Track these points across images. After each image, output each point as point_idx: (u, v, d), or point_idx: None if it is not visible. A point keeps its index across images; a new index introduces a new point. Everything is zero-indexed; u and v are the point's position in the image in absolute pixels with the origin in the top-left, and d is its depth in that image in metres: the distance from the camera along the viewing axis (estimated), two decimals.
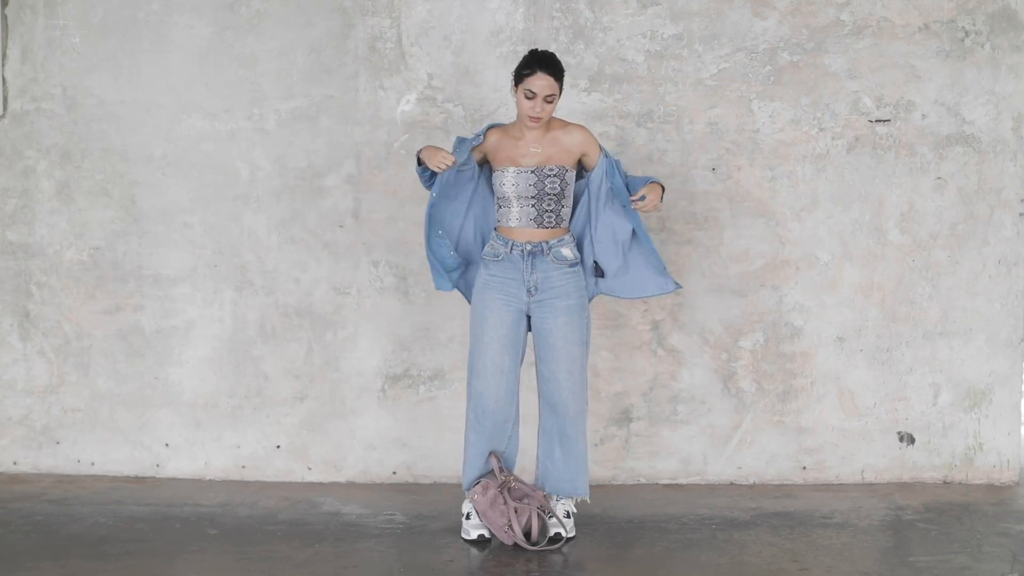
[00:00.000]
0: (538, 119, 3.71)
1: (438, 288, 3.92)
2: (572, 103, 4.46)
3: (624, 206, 3.78)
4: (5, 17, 4.58)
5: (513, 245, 3.77)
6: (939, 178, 4.51)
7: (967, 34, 4.46)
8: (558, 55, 4.48)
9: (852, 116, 4.48)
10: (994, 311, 4.53)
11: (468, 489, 3.84)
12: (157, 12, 4.54)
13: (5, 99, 4.58)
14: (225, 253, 4.56)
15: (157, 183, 4.57)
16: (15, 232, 4.62)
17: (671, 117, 4.49)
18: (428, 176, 3.81)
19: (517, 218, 3.77)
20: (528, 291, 3.77)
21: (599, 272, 3.87)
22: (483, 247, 3.88)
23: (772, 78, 4.47)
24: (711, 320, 4.52)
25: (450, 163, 3.71)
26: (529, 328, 3.85)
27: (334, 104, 4.52)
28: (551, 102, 3.71)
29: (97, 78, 4.56)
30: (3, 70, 4.59)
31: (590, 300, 3.89)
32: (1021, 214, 4.52)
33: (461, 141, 3.83)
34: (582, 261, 3.86)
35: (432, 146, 3.81)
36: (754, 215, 4.50)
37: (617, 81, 4.48)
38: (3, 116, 4.59)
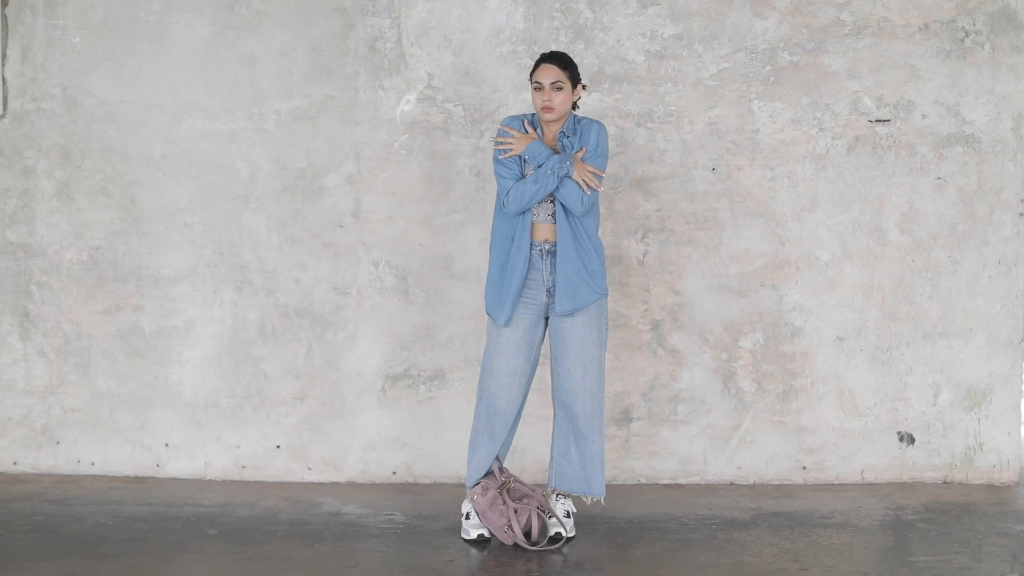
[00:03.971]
0: (550, 108, 3.73)
1: (501, 323, 3.77)
2: None
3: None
4: (5, 17, 4.58)
5: (532, 244, 3.78)
6: (939, 178, 4.51)
7: (967, 34, 4.47)
8: None
9: (852, 116, 4.48)
10: (994, 311, 4.53)
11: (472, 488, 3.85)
12: (157, 12, 4.54)
13: (5, 99, 4.58)
14: (225, 253, 4.56)
15: (157, 183, 4.57)
16: (15, 232, 4.62)
17: (671, 117, 4.49)
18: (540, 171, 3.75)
19: (535, 214, 3.78)
20: (547, 291, 3.78)
21: None
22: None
23: (772, 78, 4.48)
24: (711, 320, 4.52)
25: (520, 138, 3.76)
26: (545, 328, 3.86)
27: (334, 104, 4.52)
28: (560, 89, 3.73)
29: (97, 78, 4.56)
30: (3, 70, 4.59)
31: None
32: (1021, 214, 4.52)
33: (513, 121, 3.85)
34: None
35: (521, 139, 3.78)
36: (754, 215, 4.50)
37: (617, 81, 4.48)
38: (3, 116, 4.59)
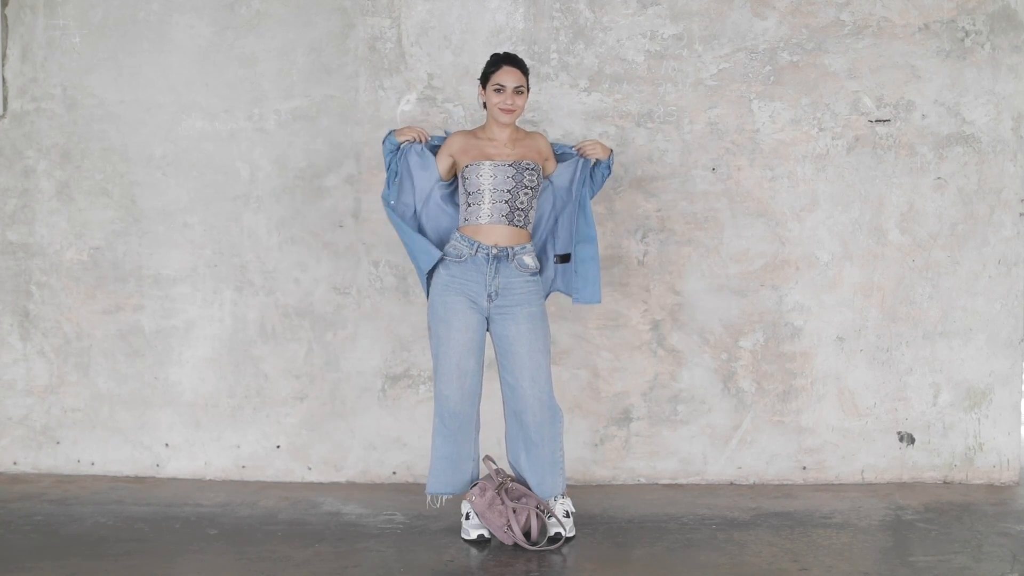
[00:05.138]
0: (511, 110, 3.76)
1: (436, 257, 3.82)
2: (572, 103, 4.47)
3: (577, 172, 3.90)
4: (5, 17, 4.58)
5: (478, 247, 3.75)
6: (939, 178, 4.51)
7: (967, 34, 4.47)
8: (558, 55, 4.51)
9: (852, 116, 4.48)
10: (994, 311, 4.53)
11: (432, 493, 3.83)
12: (157, 12, 4.55)
13: (5, 99, 4.58)
14: (225, 253, 4.56)
15: (157, 183, 4.57)
16: (15, 232, 4.62)
17: (671, 117, 4.49)
18: (391, 155, 3.88)
19: (488, 214, 3.75)
20: (489, 296, 3.75)
21: (563, 260, 3.90)
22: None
23: (772, 78, 4.48)
24: (711, 320, 4.52)
25: (416, 137, 3.84)
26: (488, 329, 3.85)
27: (334, 104, 4.52)
28: (520, 94, 3.77)
29: (97, 78, 4.57)
30: (3, 70, 4.59)
31: (545, 296, 3.91)
32: (1021, 214, 4.52)
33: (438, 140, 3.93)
34: (541, 271, 3.88)
35: (409, 127, 3.90)
36: (754, 215, 4.50)
37: (617, 81, 4.48)
38: (3, 116, 4.60)
